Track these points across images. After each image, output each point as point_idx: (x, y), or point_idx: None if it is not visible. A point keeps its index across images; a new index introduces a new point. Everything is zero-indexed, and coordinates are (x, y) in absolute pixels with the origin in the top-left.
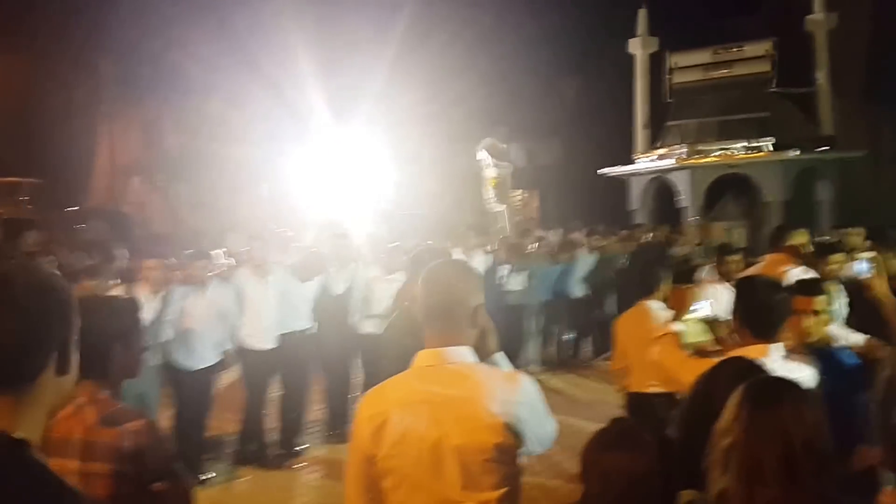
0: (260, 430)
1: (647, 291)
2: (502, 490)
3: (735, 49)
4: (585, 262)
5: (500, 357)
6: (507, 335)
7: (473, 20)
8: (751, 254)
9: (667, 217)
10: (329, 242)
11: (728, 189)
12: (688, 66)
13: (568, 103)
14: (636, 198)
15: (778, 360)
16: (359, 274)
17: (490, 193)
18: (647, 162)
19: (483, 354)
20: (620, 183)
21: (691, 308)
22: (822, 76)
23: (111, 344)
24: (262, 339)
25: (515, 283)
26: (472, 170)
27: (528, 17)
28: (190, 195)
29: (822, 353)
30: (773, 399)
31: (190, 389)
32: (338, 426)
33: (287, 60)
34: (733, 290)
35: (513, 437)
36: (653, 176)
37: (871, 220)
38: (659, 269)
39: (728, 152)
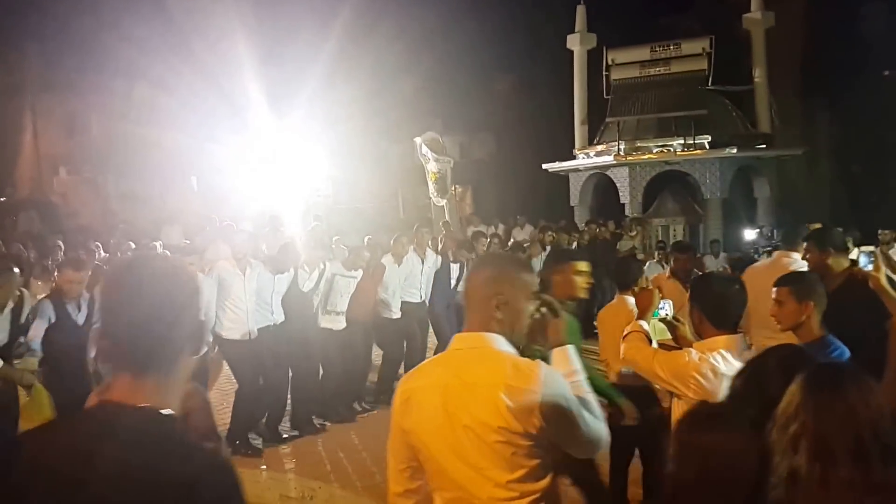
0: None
1: (624, 286)
2: (517, 473)
3: (672, 46)
4: (540, 260)
5: (571, 351)
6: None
7: (413, 16)
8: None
9: (606, 213)
10: (269, 236)
11: (666, 186)
12: (626, 62)
13: (502, 98)
14: (576, 194)
15: (741, 351)
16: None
17: (431, 188)
18: (586, 158)
19: (544, 342)
20: (558, 178)
21: (659, 307)
22: (759, 74)
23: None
24: (244, 331)
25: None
26: (407, 164)
27: (467, 14)
28: (119, 186)
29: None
30: (838, 384)
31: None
32: (298, 424)
33: (223, 46)
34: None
35: (522, 423)
36: (592, 172)
37: (807, 218)
38: (635, 265)
39: (666, 149)
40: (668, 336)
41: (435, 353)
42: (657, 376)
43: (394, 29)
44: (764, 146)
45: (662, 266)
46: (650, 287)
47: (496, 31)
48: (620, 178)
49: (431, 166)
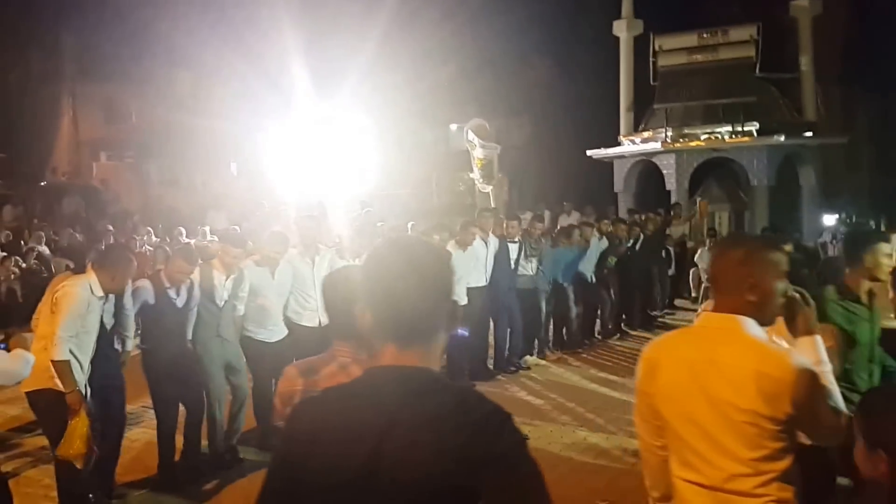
0: None
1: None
2: (759, 452)
3: (720, 33)
4: (597, 246)
5: (818, 341)
6: (522, 318)
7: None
8: None
9: (650, 200)
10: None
11: (711, 173)
12: (673, 49)
13: (540, 84)
14: (620, 180)
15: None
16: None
17: (477, 174)
18: (632, 145)
19: (793, 330)
20: (600, 165)
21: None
22: (805, 62)
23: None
24: (311, 317)
25: (528, 266)
26: (441, 149)
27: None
28: (161, 172)
29: None
30: None
31: (267, 360)
32: None
33: (265, 33)
34: None
35: (771, 408)
36: (637, 159)
37: (847, 206)
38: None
39: (714, 136)
40: None
41: (495, 337)
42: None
43: (436, 13)
44: (810, 134)
45: None
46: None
47: (535, 15)
48: (667, 165)
49: (478, 153)
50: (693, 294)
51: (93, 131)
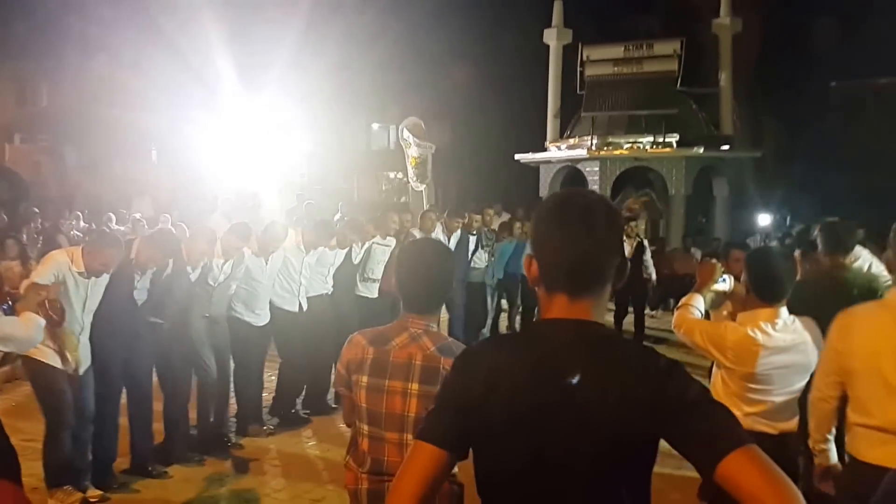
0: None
1: None
2: None
3: (645, 46)
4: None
5: None
6: (468, 311)
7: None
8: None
9: None
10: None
11: (630, 181)
12: (600, 59)
13: (460, 87)
14: (546, 185)
15: (785, 321)
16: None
17: (411, 173)
18: (558, 151)
19: None
20: (524, 169)
21: (720, 280)
22: (724, 78)
23: (450, 283)
24: (293, 302)
25: (480, 259)
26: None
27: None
28: (79, 157)
29: None
30: None
31: (251, 343)
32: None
33: (186, 24)
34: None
35: None
36: (563, 165)
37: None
38: None
39: (636, 146)
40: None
41: (450, 327)
42: (696, 343)
43: (360, 11)
44: (727, 147)
45: None
46: (713, 261)
47: (462, 18)
48: (591, 172)
49: (412, 151)
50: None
51: (4, 113)
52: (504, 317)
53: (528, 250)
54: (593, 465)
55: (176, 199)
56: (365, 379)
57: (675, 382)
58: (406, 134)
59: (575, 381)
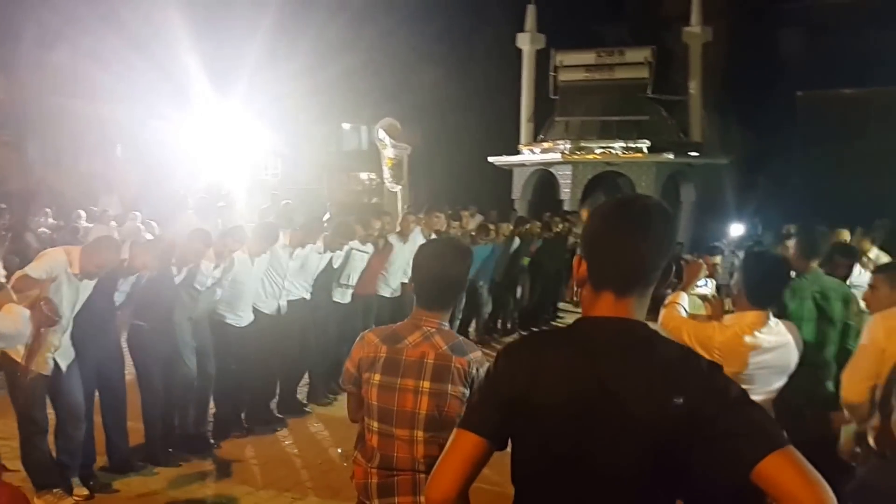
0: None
1: None
2: None
3: (617, 53)
4: (510, 245)
5: None
6: None
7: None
8: None
9: (544, 208)
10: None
11: (599, 185)
12: (573, 65)
13: (433, 89)
14: (518, 188)
15: (771, 324)
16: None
17: (387, 174)
18: (531, 154)
19: None
20: (496, 172)
21: (698, 283)
22: (694, 86)
23: (465, 281)
24: (272, 304)
25: None
26: (332, 148)
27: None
28: (43, 152)
29: None
30: None
31: (232, 344)
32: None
33: (151, 19)
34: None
35: None
36: (535, 168)
37: (725, 222)
38: None
39: (608, 151)
40: (703, 312)
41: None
42: (683, 342)
43: (331, 11)
44: (696, 154)
45: None
46: (699, 261)
47: (434, 20)
48: (564, 175)
49: (388, 152)
50: (576, 298)
51: None
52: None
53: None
54: (631, 465)
55: (143, 196)
56: (377, 377)
57: (717, 383)
58: (382, 135)
59: (618, 379)
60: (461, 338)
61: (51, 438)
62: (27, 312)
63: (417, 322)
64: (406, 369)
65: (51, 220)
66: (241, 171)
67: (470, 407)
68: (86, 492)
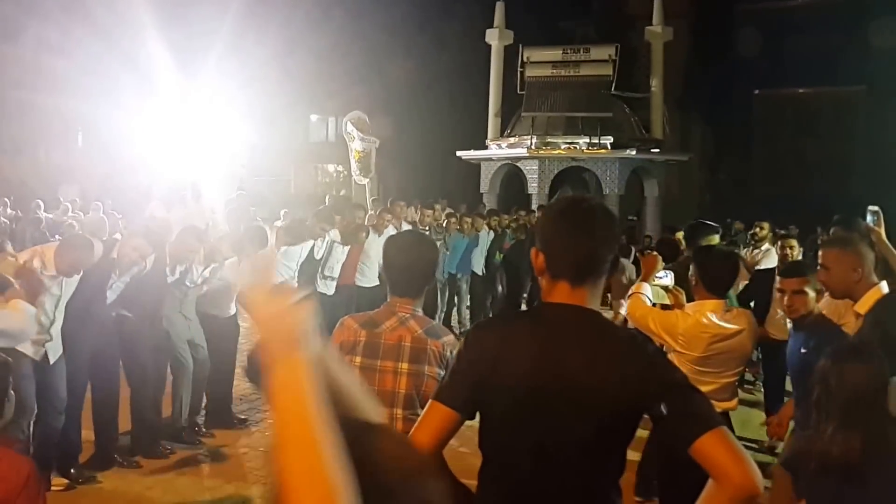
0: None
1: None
2: None
3: (582, 50)
4: (486, 239)
5: None
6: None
7: None
8: None
9: (512, 202)
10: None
11: (566, 180)
12: (539, 61)
13: (403, 83)
14: (486, 182)
15: (726, 314)
16: None
17: (354, 167)
18: (499, 149)
19: None
20: (465, 166)
21: (658, 275)
22: (656, 84)
23: (431, 270)
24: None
25: None
26: (299, 141)
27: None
28: (2, 143)
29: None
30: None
31: (216, 334)
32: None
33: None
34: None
35: None
36: (503, 162)
37: (687, 217)
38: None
39: (573, 146)
40: (665, 300)
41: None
42: (650, 329)
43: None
44: (658, 150)
45: None
46: (654, 253)
47: (403, 14)
48: (531, 170)
49: (356, 145)
50: None
51: None
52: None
53: (478, 248)
54: (582, 438)
55: (105, 186)
56: (358, 359)
57: (661, 367)
58: (350, 128)
59: (575, 362)
60: (434, 322)
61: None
62: (33, 310)
63: (392, 309)
64: (385, 352)
65: (9, 211)
66: (207, 162)
67: (443, 382)
68: (64, 482)
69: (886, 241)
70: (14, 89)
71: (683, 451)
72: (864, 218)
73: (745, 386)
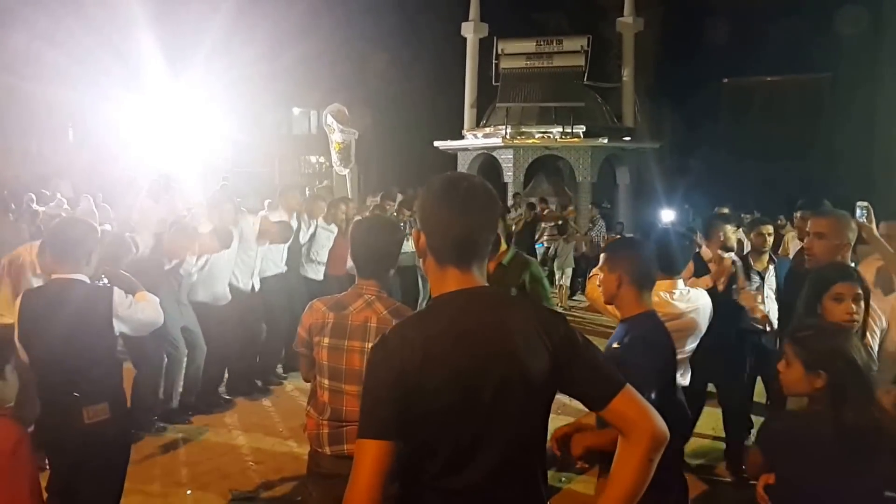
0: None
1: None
2: None
3: (555, 42)
4: None
5: None
6: (402, 298)
7: None
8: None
9: None
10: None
11: (541, 169)
12: (514, 53)
13: (381, 74)
14: (464, 170)
15: (681, 291)
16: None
17: (335, 158)
18: (475, 139)
19: None
20: (442, 156)
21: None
22: (627, 73)
23: (396, 252)
24: (247, 282)
25: (408, 244)
26: (283, 132)
27: None
28: None
29: None
30: None
31: (211, 322)
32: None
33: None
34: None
35: None
36: (479, 152)
37: (659, 204)
38: None
39: (547, 136)
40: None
41: None
42: (607, 309)
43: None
44: (629, 139)
45: None
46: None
47: (381, 7)
48: (506, 159)
49: (336, 136)
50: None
51: None
52: None
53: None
54: (516, 408)
55: (95, 179)
56: (326, 340)
57: (562, 327)
58: (330, 120)
59: (514, 335)
60: (399, 303)
61: None
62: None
63: (359, 291)
64: (352, 332)
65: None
66: (192, 155)
67: (365, 413)
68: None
69: (878, 236)
70: (4, 78)
71: (598, 412)
72: (828, 201)
73: None
